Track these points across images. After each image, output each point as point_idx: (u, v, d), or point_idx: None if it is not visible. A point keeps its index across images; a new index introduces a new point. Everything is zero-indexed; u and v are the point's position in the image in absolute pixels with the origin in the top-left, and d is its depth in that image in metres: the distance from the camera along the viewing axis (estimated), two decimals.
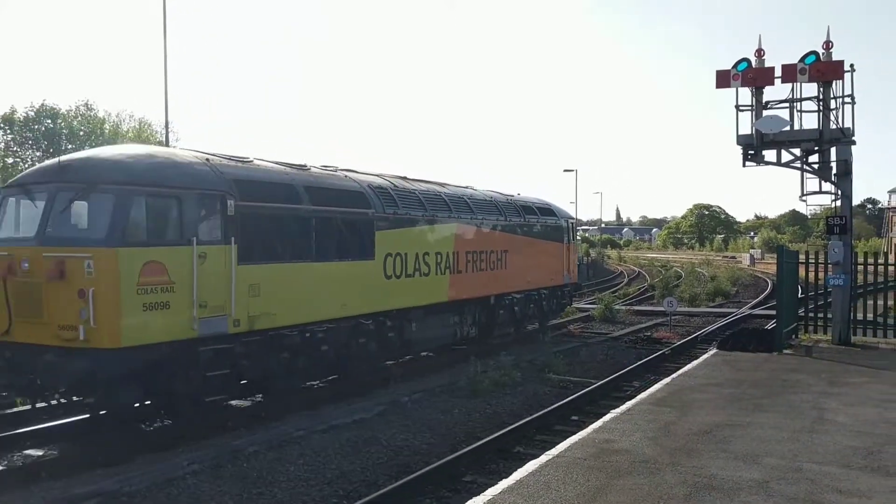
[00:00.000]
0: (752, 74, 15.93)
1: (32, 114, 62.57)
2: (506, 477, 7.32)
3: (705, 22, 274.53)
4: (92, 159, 10.45)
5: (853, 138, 15.87)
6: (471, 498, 6.76)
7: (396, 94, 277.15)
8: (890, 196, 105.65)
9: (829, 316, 16.74)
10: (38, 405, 10.62)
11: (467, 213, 17.26)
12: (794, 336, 16.63)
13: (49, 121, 62.87)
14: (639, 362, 16.28)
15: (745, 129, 16.29)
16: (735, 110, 16.29)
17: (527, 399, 13.23)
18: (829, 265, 16.26)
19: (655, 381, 12.77)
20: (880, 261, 17.42)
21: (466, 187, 19.01)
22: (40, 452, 10.02)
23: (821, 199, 17.75)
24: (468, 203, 17.57)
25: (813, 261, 17.29)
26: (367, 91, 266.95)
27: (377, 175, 15.47)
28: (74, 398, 10.21)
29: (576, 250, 24.61)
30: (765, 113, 16.07)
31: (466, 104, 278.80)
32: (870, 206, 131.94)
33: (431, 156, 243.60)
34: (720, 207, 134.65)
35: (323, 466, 9.36)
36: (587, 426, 9.34)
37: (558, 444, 8.43)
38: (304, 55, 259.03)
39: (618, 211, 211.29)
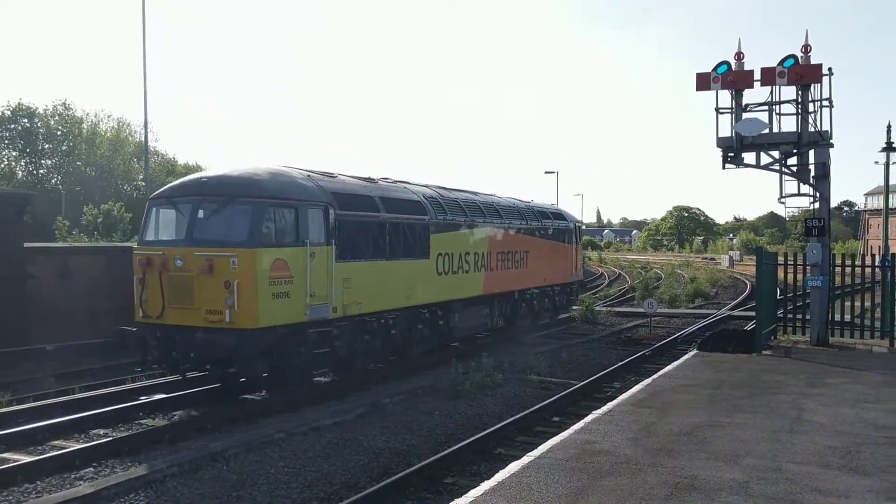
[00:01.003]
0: (731, 77, 16.04)
1: (9, 113, 61.63)
2: (487, 478, 7.31)
3: (686, 25, 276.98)
4: (227, 177, 12.67)
5: (831, 141, 16.03)
6: (452, 499, 6.74)
7: (382, 93, 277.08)
8: (866, 199, 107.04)
9: (808, 317, 16.88)
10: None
11: (497, 218, 19.69)
12: (773, 337, 16.76)
13: (26, 120, 61.95)
14: (619, 363, 16.34)
15: (725, 131, 16.40)
16: (715, 113, 16.41)
17: (508, 400, 13.23)
18: (808, 267, 16.40)
19: (636, 382, 12.81)
20: (857, 263, 17.60)
21: (491, 195, 21.21)
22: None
23: (799, 202, 17.94)
24: (497, 209, 20.05)
25: (791, 262, 17.45)
26: (356, 90, 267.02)
27: (425, 185, 17.95)
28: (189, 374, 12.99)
29: (581, 250, 27.27)
30: (744, 116, 16.18)
31: (451, 105, 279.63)
32: (847, 208, 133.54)
33: (418, 154, 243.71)
34: (699, 209, 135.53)
35: (303, 468, 9.31)
36: (568, 427, 9.36)
37: (540, 445, 8.43)
38: (300, 54, 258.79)
39: (598, 213, 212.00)
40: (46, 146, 62.91)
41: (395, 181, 16.96)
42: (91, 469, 9.34)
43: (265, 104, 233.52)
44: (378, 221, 14.56)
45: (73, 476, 9.08)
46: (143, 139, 40.17)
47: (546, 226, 22.91)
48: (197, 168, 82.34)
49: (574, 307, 25.69)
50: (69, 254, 19.60)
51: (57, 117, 62.89)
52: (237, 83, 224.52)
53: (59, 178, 62.82)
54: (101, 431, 11.15)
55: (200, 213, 12.25)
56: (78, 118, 63.97)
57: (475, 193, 20.04)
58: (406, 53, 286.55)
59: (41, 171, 63.49)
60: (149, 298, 12.35)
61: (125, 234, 47.10)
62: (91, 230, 45.90)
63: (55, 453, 9.74)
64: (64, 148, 62.71)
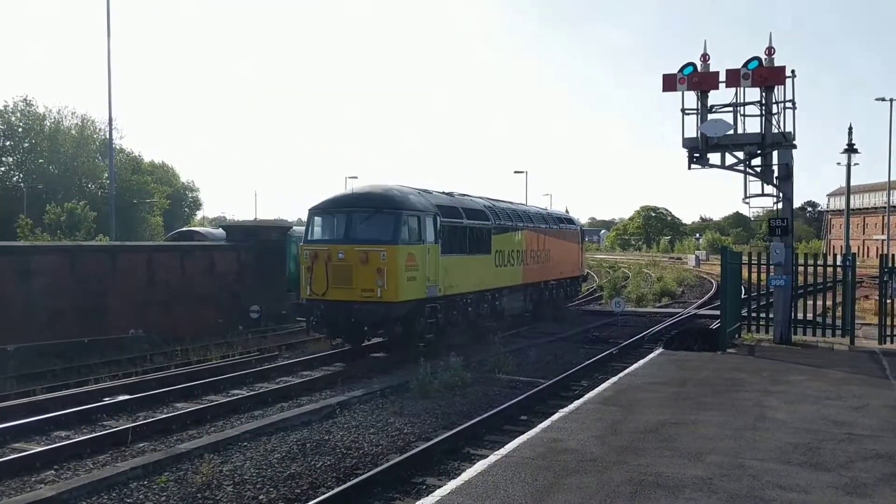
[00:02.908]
0: (697, 79, 16.23)
1: None
2: (454, 478, 7.31)
3: (655, 27, 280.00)
4: (372, 194, 17.52)
5: (794, 142, 16.28)
6: (419, 499, 6.74)
7: (348, 90, 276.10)
8: (829, 199, 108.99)
9: (771, 316, 17.14)
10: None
11: (530, 222, 24.45)
12: (737, 335, 16.99)
13: None
14: (587, 362, 16.44)
15: (691, 132, 16.60)
16: (681, 114, 16.59)
17: (477, 400, 13.25)
18: (771, 266, 16.64)
19: (603, 381, 12.92)
20: (820, 262, 17.90)
21: (522, 204, 27.74)
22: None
23: (763, 202, 18.24)
24: (529, 216, 25.08)
25: (755, 262, 17.69)
26: (325, 87, 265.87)
27: (479, 197, 22.76)
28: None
29: (584, 250, 32.96)
30: (710, 117, 16.39)
31: (421, 105, 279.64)
32: (810, 209, 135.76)
33: (388, 153, 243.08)
34: (667, 209, 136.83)
35: (270, 469, 9.23)
36: (536, 426, 9.40)
37: (507, 443, 8.46)
38: (268, 50, 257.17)
39: (567, 212, 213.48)
40: (7, 143, 61.73)
41: (461, 194, 21.64)
42: (52, 472, 9.19)
43: (231, 101, 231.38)
44: (462, 226, 19.37)
45: (33, 479, 8.92)
46: (107, 136, 39.50)
47: (561, 229, 27.77)
48: (164, 166, 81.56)
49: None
50: (30, 253, 19.23)
51: (18, 114, 61.70)
52: (205, 81, 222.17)
53: (21, 175, 61.68)
54: (63, 434, 10.97)
55: (355, 220, 16.98)
56: (40, 115, 62.81)
57: (510, 202, 25.26)
58: (369, 51, 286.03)
59: (2, 169, 62.29)
60: (315, 280, 16.88)
61: (89, 232, 46.45)
62: (54, 229, 45.15)
63: (15, 456, 9.56)
64: (26, 145, 61.59)
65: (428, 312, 17.53)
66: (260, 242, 25.27)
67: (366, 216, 16.93)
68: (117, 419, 11.90)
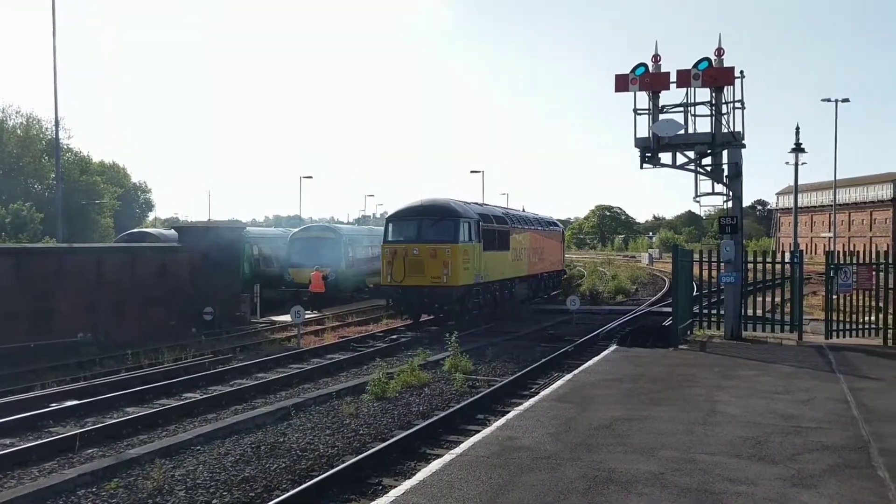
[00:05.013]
0: (648, 79, 16.44)
1: None
2: (410, 477, 7.29)
3: (609, 27, 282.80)
4: (435, 206, 23.50)
5: (743, 142, 16.60)
6: (375, 499, 6.70)
7: (293, 90, 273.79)
8: (778, 198, 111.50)
9: (722, 312, 17.45)
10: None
11: (530, 225, 31.15)
12: (689, 332, 17.28)
13: None
14: (543, 359, 16.56)
15: (643, 132, 16.82)
16: (633, 114, 16.80)
17: (434, 399, 13.25)
18: (722, 264, 16.93)
19: (558, 378, 13.03)
20: (769, 259, 18.28)
21: (522, 210, 36.35)
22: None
23: (714, 201, 18.61)
24: (530, 219, 32.14)
25: (706, 260, 17.98)
26: (272, 86, 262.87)
27: (496, 205, 31.38)
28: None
29: (565, 248, 42.14)
30: (661, 117, 16.62)
31: (378, 104, 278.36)
32: (760, 207, 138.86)
33: (340, 154, 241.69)
34: (621, 208, 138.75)
35: (223, 473, 9.10)
36: (491, 424, 9.44)
37: (463, 442, 8.47)
38: (218, 47, 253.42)
39: (523, 211, 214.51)
40: None
41: (482, 203, 29.87)
42: None
43: (183, 101, 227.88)
44: (492, 229, 25.30)
45: None
46: (54, 136, 38.56)
47: (550, 230, 34.98)
48: (115, 166, 79.96)
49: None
50: None
51: None
52: (157, 80, 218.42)
53: None
54: (8, 441, 10.69)
55: (424, 225, 22.98)
56: None
57: (514, 209, 34.74)
58: (324, 49, 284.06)
59: None
60: (394, 271, 22.54)
61: (35, 234, 45.27)
62: None
63: None
64: None
65: (475, 294, 23.89)
66: (213, 243, 24.92)
67: (433, 222, 22.94)
68: (65, 425, 11.63)
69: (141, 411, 12.32)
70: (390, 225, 23.68)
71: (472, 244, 23.13)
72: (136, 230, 37.33)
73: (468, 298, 23.27)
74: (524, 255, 28.98)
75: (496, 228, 25.63)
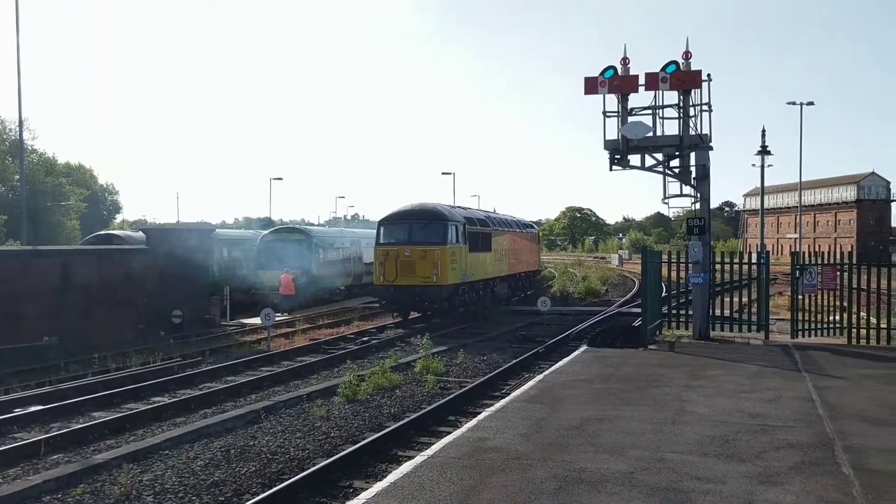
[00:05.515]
0: (617, 82, 16.59)
1: None
2: (381, 479, 7.27)
3: (580, 30, 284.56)
4: (424, 209, 24.85)
5: (711, 144, 16.81)
6: (346, 502, 6.67)
7: (263, 91, 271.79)
8: (745, 199, 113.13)
9: (691, 313, 17.63)
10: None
11: (509, 227, 32.52)
12: (658, 332, 17.42)
13: None
14: (514, 360, 16.61)
15: (612, 134, 16.96)
16: (602, 116, 16.93)
17: (405, 401, 13.22)
18: (690, 265, 17.12)
19: (529, 379, 13.07)
20: (736, 260, 18.51)
21: (497, 213, 36.97)
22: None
23: (682, 202, 18.82)
24: (509, 222, 33.56)
25: (675, 260, 18.16)
26: (240, 85, 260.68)
27: (479, 209, 33.52)
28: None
29: (540, 249, 45.13)
30: (630, 119, 16.77)
31: (347, 106, 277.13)
32: (727, 208, 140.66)
33: (315, 157, 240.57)
34: (591, 210, 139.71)
35: (192, 477, 9.01)
36: (462, 425, 9.45)
37: (434, 444, 8.47)
38: (182, 47, 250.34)
39: (494, 212, 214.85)
40: None
41: (466, 206, 31.02)
42: None
43: (151, 102, 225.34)
44: (476, 230, 26.53)
45: None
46: (18, 137, 37.90)
47: (526, 232, 36.69)
48: (81, 168, 78.85)
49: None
50: None
51: None
52: (125, 82, 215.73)
53: None
54: None
55: (414, 228, 24.13)
56: None
57: (494, 212, 36.03)
58: (293, 49, 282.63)
59: None
60: (387, 271, 23.79)
61: None
62: None
63: None
64: None
65: (461, 293, 25.12)
66: (182, 245, 24.65)
67: (422, 225, 24.19)
68: (29, 431, 11.43)
69: (108, 416, 12.14)
70: (382, 228, 24.83)
71: (459, 246, 24.55)
72: (103, 232, 36.79)
73: (455, 297, 24.57)
74: (504, 256, 30.52)
75: (480, 231, 27.02)
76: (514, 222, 34.47)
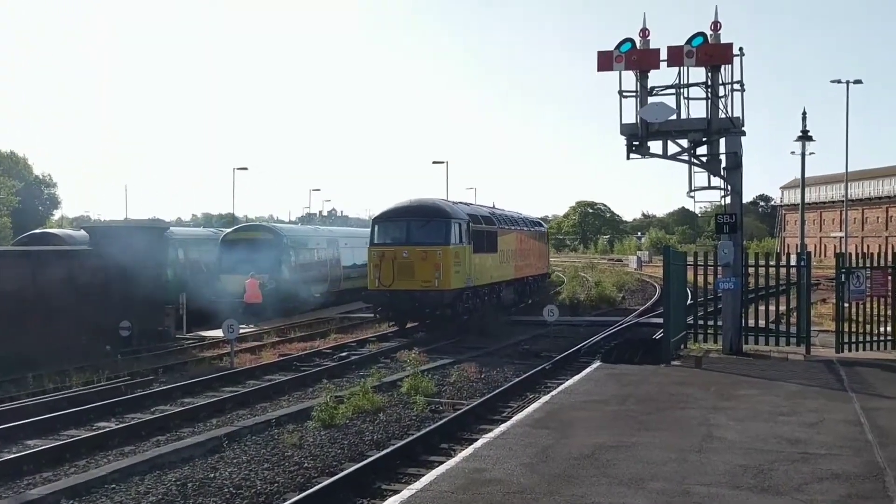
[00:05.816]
0: (635, 56, 16.57)
1: None
2: None
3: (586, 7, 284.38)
4: (424, 206, 25.41)
5: (743, 129, 16.83)
6: None
7: (237, 82, 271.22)
8: (783, 193, 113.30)
9: (720, 323, 17.63)
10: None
11: (517, 225, 33.32)
12: (682, 346, 17.46)
13: None
14: (516, 379, 16.63)
15: (630, 117, 16.96)
16: (619, 96, 16.91)
17: (390, 426, 13.23)
18: (720, 268, 17.10)
19: (534, 400, 13.10)
20: (772, 263, 18.52)
21: (504, 209, 36.38)
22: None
23: (710, 195, 18.80)
24: (516, 220, 34.29)
25: (702, 263, 18.15)
26: (211, 76, 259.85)
27: (482, 205, 32.94)
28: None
29: (549, 249, 45.69)
30: (650, 100, 16.76)
31: (321, 95, 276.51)
32: (763, 203, 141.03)
33: (282, 148, 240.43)
34: (605, 205, 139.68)
35: None
36: (457, 454, 9.46)
37: (423, 476, 8.48)
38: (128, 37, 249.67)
39: (494, 207, 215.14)
40: None
41: (469, 203, 31.25)
42: None
43: (97, 88, 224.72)
44: (480, 229, 26.92)
45: None
46: None
47: (534, 231, 37.15)
48: (12, 156, 78.69)
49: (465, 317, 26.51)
50: None
51: None
52: (67, 66, 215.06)
53: None
54: None
55: (413, 226, 24.50)
56: None
57: (500, 209, 34.95)
58: (262, 36, 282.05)
59: None
60: (382, 275, 24.06)
61: None
62: None
63: None
64: None
65: (465, 299, 25.42)
66: (131, 246, 24.55)
67: (422, 223, 24.54)
68: None
69: (45, 444, 12.10)
70: (377, 226, 25.46)
71: (462, 246, 24.91)
72: (38, 231, 36.71)
73: (459, 303, 24.80)
74: (511, 258, 31.11)
75: (485, 229, 27.51)
76: (520, 220, 35.09)
